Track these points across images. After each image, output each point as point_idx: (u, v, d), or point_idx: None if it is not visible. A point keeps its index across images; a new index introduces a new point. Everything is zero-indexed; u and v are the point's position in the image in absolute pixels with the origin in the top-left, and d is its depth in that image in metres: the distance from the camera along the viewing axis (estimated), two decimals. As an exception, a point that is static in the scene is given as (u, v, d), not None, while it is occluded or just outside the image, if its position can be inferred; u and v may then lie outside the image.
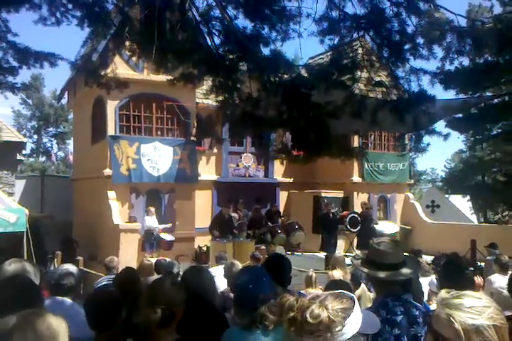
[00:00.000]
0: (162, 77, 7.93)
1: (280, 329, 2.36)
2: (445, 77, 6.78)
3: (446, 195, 33.84)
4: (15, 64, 7.37)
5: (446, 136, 6.42)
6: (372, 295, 5.17)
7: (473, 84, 9.47)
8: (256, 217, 13.73)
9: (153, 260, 7.45)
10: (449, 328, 1.50)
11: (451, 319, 1.50)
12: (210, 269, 6.20)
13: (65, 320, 3.00)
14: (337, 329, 1.47)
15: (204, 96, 10.15)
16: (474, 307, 1.51)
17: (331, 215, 13.51)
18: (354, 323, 1.52)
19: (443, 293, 1.64)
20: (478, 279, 4.24)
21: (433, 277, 5.30)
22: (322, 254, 14.39)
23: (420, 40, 6.07)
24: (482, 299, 1.56)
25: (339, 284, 4.11)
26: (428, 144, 6.54)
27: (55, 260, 10.84)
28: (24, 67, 7.35)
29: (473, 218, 31.95)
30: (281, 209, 16.90)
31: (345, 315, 1.51)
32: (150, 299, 2.32)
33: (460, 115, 12.52)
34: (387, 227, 15.09)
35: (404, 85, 6.07)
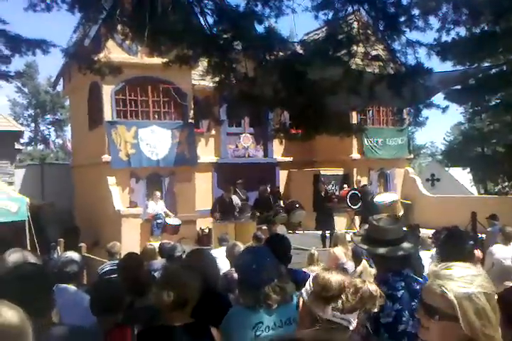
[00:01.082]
0: (157, 60, 7.83)
1: (283, 309, 2.37)
2: (442, 48, 6.68)
3: (446, 168, 33.86)
4: (7, 52, 7.29)
5: (444, 109, 6.37)
6: (373, 270, 5.19)
7: (471, 54, 9.35)
8: (263, 198, 13.69)
9: (156, 244, 7.50)
10: (441, 299, 1.52)
11: (444, 289, 1.52)
12: (213, 251, 6.24)
13: (70, 306, 3.03)
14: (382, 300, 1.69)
15: (200, 78, 10.04)
16: (464, 277, 1.54)
17: (322, 194, 13.58)
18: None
19: (432, 266, 1.68)
20: (478, 252, 4.25)
21: (434, 250, 5.32)
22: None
23: (416, 12, 5.98)
24: (471, 268, 1.59)
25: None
26: (427, 118, 6.49)
27: (58, 248, 10.89)
28: (16, 55, 7.27)
29: (474, 190, 32.02)
30: (282, 189, 16.91)
31: None
32: (163, 282, 2.35)
33: (458, 87, 12.40)
34: (387, 197, 15.08)
35: (401, 58, 5.99)
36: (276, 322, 2.40)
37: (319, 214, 13.40)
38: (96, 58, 7.44)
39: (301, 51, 6.61)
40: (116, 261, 5.34)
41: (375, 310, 1.68)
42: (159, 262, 5.84)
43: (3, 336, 1.39)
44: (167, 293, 2.25)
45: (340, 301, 1.61)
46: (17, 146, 18.09)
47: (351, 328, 1.62)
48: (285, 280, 2.56)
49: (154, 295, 2.39)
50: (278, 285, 2.47)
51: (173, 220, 13.23)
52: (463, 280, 1.53)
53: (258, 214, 13.08)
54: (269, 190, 14.28)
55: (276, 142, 16.02)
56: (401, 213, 15.83)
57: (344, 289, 1.63)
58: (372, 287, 1.67)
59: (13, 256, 2.77)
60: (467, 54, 9.35)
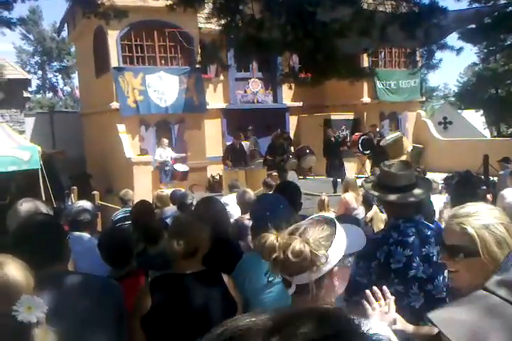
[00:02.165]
0: (161, 3, 7.57)
1: None
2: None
3: (459, 111, 33.31)
4: (8, -2, 7.08)
5: (458, 51, 6.15)
6: (384, 216, 5.23)
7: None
8: (276, 143, 13.63)
9: (168, 191, 7.58)
10: (462, 235, 1.57)
11: (463, 225, 1.58)
12: (223, 198, 6.29)
13: (84, 253, 3.10)
14: (322, 261, 1.46)
15: (206, 21, 9.73)
16: (479, 211, 1.61)
17: (332, 139, 13.50)
18: (337, 248, 1.52)
19: (448, 211, 1.69)
20: (489, 196, 4.24)
21: (446, 195, 5.32)
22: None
23: None
24: (484, 204, 1.68)
25: (347, 220, 4.13)
26: (440, 60, 6.29)
27: (72, 195, 11.07)
28: (18, 0, 7.06)
29: (487, 133, 31.64)
30: (292, 134, 16.81)
31: (328, 243, 1.50)
32: (173, 232, 2.37)
33: (473, 26, 11.93)
34: (392, 135, 14.92)
35: (415, -3, 5.73)
36: None
37: (330, 160, 13.38)
38: (100, 1, 7.21)
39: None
40: (129, 209, 5.43)
41: (324, 269, 1.49)
42: (171, 209, 5.92)
43: (4, 290, 1.40)
44: (177, 243, 2.28)
45: (279, 264, 1.51)
46: (25, 94, 17.98)
47: (290, 291, 1.52)
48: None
49: (166, 245, 2.42)
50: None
51: (181, 166, 13.31)
52: (479, 215, 1.59)
53: (271, 159, 13.06)
54: (281, 135, 14.19)
55: (285, 87, 15.71)
56: (410, 149, 15.73)
57: (274, 252, 1.51)
58: (297, 248, 1.45)
59: (25, 206, 2.80)
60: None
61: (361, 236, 1.69)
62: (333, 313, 0.66)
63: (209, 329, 0.67)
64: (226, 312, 2.27)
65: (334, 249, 1.50)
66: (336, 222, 1.59)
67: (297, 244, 1.47)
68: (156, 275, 2.49)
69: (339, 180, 11.98)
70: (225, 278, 2.40)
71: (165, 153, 13.29)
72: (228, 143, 13.99)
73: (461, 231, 1.57)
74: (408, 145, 15.48)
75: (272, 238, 1.55)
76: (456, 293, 1.70)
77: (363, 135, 14.92)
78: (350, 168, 14.55)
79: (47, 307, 1.42)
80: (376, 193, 2.66)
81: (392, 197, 2.54)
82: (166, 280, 2.34)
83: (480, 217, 1.58)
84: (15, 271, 1.46)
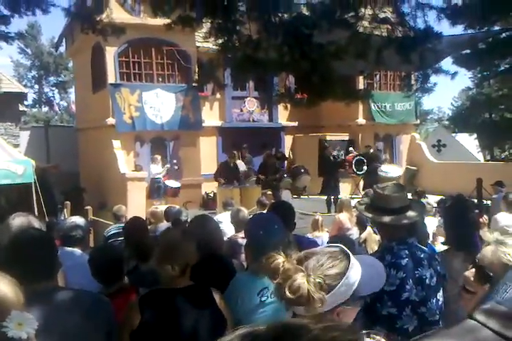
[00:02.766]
0: (160, 21, 7.64)
1: None
2: (452, 11, 6.47)
3: (453, 134, 33.61)
4: (6, 13, 7.12)
5: (453, 75, 6.24)
6: (378, 237, 5.23)
7: (481, 18, 9.10)
8: (268, 163, 13.67)
9: (162, 207, 7.55)
10: (500, 267, 1.53)
11: (502, 259, 1.54)
12: (218, 216, 6.28)
13: (75, 269, 3.07)
14: (316, 305, 1.36)
15: (204, 40, 9.84)
16: None
17: (331, 158, 13.54)
18: (343, 290, 1.43)
19: (497, 234, 1.66)
20: (483, 220, 4.25)
21: (439, 218, 5.33)
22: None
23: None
24: None
25: (342, 241, 4.12)
26: (435, 84, 6.39)
27: (65, 210, 11.00)
28: (16, 15, 7.10)
29: (480, 156, 31.86)
30: (287, 154, 16.88)
31: (334, 283, 1.42)
32: (167, 257, 2.33)
33: (467, 51, 12.12)
34: (392, 170, 15.00)
35: (410, 22, 5.83)
36: None
37: (327, 179, 13.38)
38: (98, 18, 7.28)
39: (307, 13, 6.42)
40: (122, 225, 5.40)
41: (321, 308, 1.39)
42: (165, 225, 5.90)
43: None
44: (172, 267, 2.27)
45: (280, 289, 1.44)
46: (21, 108, 18.02)
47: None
48: (291, 248, 2.57)
49: (158, 269, 2.38)
50: (284, 252, 2.47)
51: (172, 183, 13.29)
52: None
53: (262, 178, 13.08)
54: (274, 154, 14.21)
55: (281, 106, 15.82)
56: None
57: (276, 277, 1.45)
58: (296, 285, 1.37)
59: (18, 220, 2.78)
60: (478, 17, 9.08)
61: (380, 275, 1.60)
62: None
63: None
64: (216, 327, 2.26)
65: (339, 290, 1.42)
66: (352, 258, 1.48)
67: (298, 279, 1.38)
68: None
69: (333, 199, 12.00)
70: (215, 293, 2.39)
71: (157, 169, 13.28)
72: (222, 161, 14.01)
73: (501, 261, 1.52)
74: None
75: (279, 261, 1.48)
76: (449, 316, 1.69)
77: (357, 156, 15.01)
78: (345, 188, 14.57)
79: (37, 323, 1.40)
80: (370, 215, 2.67)
81: (386, 218, 2.55)
82: (155, 295, 2.32)
83: None
84: (4, 286, 1.44)
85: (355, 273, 1.46)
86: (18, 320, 1.36)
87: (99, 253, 3.15)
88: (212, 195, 13.98)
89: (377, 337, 1.49)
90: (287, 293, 1.37)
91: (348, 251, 1.54)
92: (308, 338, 0.61)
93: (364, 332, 1.49)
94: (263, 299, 2.39)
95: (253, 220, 2.79)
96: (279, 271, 1.43)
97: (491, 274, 1.54)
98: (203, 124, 14.79)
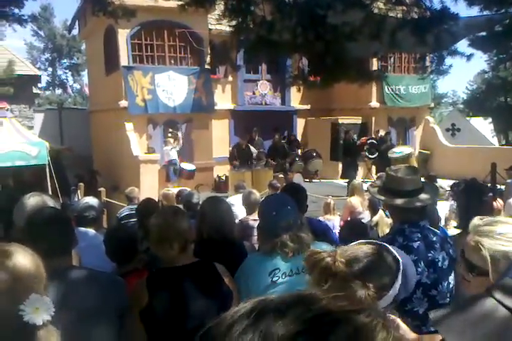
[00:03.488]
0: (172, 3, 7.60)
1: (299, 257, 2.38)
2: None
3: (468, 118, 33.18)
4: (19, -5, 7.14)
5: (469, 57, 6.13)
6: (389, 220, 5.22)
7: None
8: (277, 146, 13.65)
9: (175, 190, 7.60)
10: (477, 255, 1.53)
11: (479, 245, 1.51)
12: (229, 198, 6.30)
13: (89, 249, 3.11)
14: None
15: (217, 22, 9.76)
16: (505, 234, 1.51)
17: (352, 142, 13.51)
18: (387, 300, 1.43)
19: (476, 220, 1.62)
20: (497, 204, 4.22)
21: (452, 202, 5.30)
22: (340, 181, 14.52)
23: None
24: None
25: (355, 226, 4.11)
26: (450, 66, 6.27)
27: (79, 191, 11.11)
28: (29, -3, 7.12)
29: (495, 141, 31.48)
30: (299, 137, 16.81)
31: (383, 294, 1.41)
32: (163, 236, 2.31)
33: (484, 33, 11.90)
34: (401, 150, 14.85)
35: (426, 2, 5.71)
36: (293, 269, 2.41)
37: (348, 163, 13.36)
38: (110, 0, 7.25)
39: (321, -7, 6.33)
40: (135, 206, 5.45)
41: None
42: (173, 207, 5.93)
43: (16, 279, 1.35)
44: (170, 246, 2.28)
45: (323, 287, 1.37)
46: (35, 90, 18.08)
47: None
48: (303, 230, 2.57)
49: (157, 249, 2.37)
50: (296, 234, 2.48)
51: (188, 165, 13.32)
52: (502, 238, 1.50)
53: (272, 162, 13.09)
54: (285, 137, 14.16)
55: (293, 89, 15.72)
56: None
57: (326, 277, 1.39)
58: (359, 293, 1.34)
59: (33, 200, 2.81)
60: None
61: (413, 276, 1.59)
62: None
63: (206, 320, 0.68)
64: (222, 300, 2.28)
65: (385, 300, 1.42)
66: (400, 262, 1.45)
67: (358, 291, 1.33)
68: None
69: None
70: (219, 267, 2.41)
71: (171, 152, 13.31)
72: (234, 144, 14.02)
73: (478, 251, 1.52)
74: (415, 164, 15.37)
75: (327, 260, 1.38)
76: (460, 299, 1.69)
77: (369, 139, 14.88)
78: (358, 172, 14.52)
79: (53, 309, 1.36)
80: (382, 197, 2.65)
81: (398, 201, 2.53)
82: (160, 275, 2.35)
83: (502, 241, 1.50)
84: (29, 261, 1.40)
85: (399, 280, 1.45)
86: (36, 304, 1.32)
87: (114, 233, 3.19)
88: (224, 178, 14.02)
89: (392, 316, 1.49)
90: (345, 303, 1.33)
91: (394, 252, 1.50)
92: (318, 306, 0.63)
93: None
94: (274, 279, 2.40)
95: (266, 201, 2.78)
96: (330, 272, 1.36)
97: (473, 264, 1.54)
98: (215, 107, 14.76)
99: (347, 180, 12.55)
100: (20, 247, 1.46)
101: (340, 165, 15.47)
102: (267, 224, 2.57)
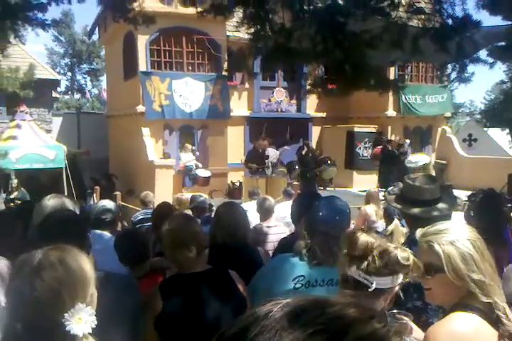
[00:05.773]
0: (191, 10, 7.70)
1: (328, 268, 2.28)
2: (492, 0, 6.28)
3: (485, 128, 32.86)
4: (43, 0, 7.25)
5: (492, 64, 6.08)
6: (405, 230, 5.17)
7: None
8: (307, 155, 13.60)
9: (188, 195, 7.61)
10: (431, 253, 1.61)
11: (430, 243, 1.61)
12: (243, 204, 6.29)
13: (104, 252, 3.13)
14: (419, 271, 1.60)
15: (235, 29, 9.82)
16: (448, 229, 1.64)
17: (393, 151, 13.51)
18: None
19: (419, 230, 1.76)
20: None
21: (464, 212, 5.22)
22: (354, 190, 14.44)
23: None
24: (455, 223, 1.75)
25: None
26: (472, 73, 6.21)
27: (94, 195, 11.20)
28: (53, 3, 7.23)
29: (512, 152, 31.11)
30: (314, 145, 16.77)
31: None
32: (181, 242, 2.30)
33: (503, 43, 11.82)
34: (418, 158, 14.72)
35: (448, 10, 5.67)
36: (318, 279, 2.34)
37: (387, 170, 13.36)
38: (130, 7, 7.33)
39: (341, 1, 6.33)
40: (149, 210, 5.47)
41: (408, 279, 1.67)
42: (189, 213, 5.95)
43: (64, 285, 1.34)
44: (189, 249, 2.28)
45: (365, 262, 1.61)
46: (54, 95, 18.35)
47: (370, 289, 1.61)
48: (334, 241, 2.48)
49: (176, 254, 2.35)
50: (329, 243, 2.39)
51: (203, 172, 13.36)
52: (446, 231, 1.62)
53: (301, 169, 12.98)
54: (297, 145, 14.12)
55: (310, 97, 15.73)
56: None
57: (370, 250, 1.61)
58: (403, 254, 1.61)
59: (52, 201, 2.83)
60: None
61: None
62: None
63: (221, 327, 0.69)
64: (237, 308, 2.26)
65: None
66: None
67: (401, 250, 1.61)
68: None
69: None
70: (233, 274, 2.39)
71: (188, 158, 13.36)
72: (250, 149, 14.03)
73: (429, 249, 1.61)
74: (432, 171, 15.26)
75: (365, 236, 1.64)
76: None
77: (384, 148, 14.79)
78: (371, 181, 14.44)
79: (96, 321, 1.33)
80: (399, 206, 2.63)
81: (416, 210, 2.51)
82: (175, 281, 2.34)
83: (447, 234, 1.61)
84: (85, 263, 1.43)
85: None
86: (80, 314, 1.30)
87: (123, 238, 3.21)
88: (238, 184, 14.01)
89: (404, 318, 1.57)
90: (401, 260, 1.57)
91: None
92: (332, 310, 0.65)
93: (390, 312, 1.57)
94: (297, 286, 2.36)
95: (325, 205, 2.57)
96: (373, 245, 1.60)
97: (428, 263, 1.63)
98: (231, 114, 14.81)
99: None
100: (73, 250, 1.47)
101: (354, 174, 15.42)
102: (325, 225, 2.42)
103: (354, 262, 1.62)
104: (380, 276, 1.60)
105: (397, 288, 1.67)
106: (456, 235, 1.60)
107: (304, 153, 13.72)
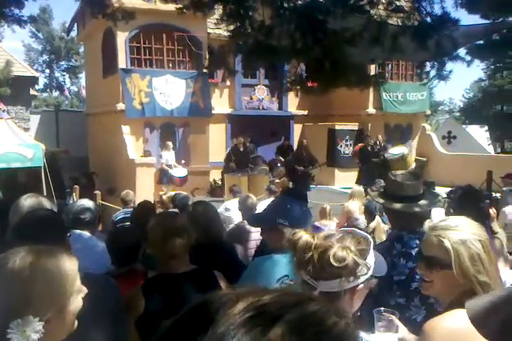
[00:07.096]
0: (171, 7, 7.60)
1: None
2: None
3: (464, 126, 33.30)
4: (19, -5, 7.13)
5: (469, 62, 6.16)
6: (386, 227, 5.20)
7: (498, 7, 8.97)
8: (302, 152, 13.52)
9: (170, 193, 7.57)
10: (439, 248, 1.61)
11: (441, 238, 1.61)
12: (226, 202, 6.28)
13: (84, 251, 3.08)
14: (363, 272, 1.45)
15: (215, 26, 9.77)
16: (459, 225, 1.64)
17: (369, 148, 13.48)
18: (369, 266, 1.50)
19: (428, 223, 1.72)
20: (492, 211, 4.21)
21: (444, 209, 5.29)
22: (336, 187, 14.50)
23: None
24: (465, 219, 1.71)
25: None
26: (451, 71, 6.28)
27: (74, 194, 11.06)
28: (29, -1, 7.12)
29: (491, 149, 31.58)
30: (295, 143, 16.79)
31: (363, 258, 1.48)
32: (171, 231, 2.29)
33: (481, 42, 11.97)
34: (397, 150, 14.79)
35: (427, 8, 5.72)
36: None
37: (365, 168, 13.24)
38: (109, 2, 7.24)
39: (321, -1, 6.34)
40: (130, 209, 5.42)
41: (358, 281, 1.49)
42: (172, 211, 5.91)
43: (43, 286, 1.35)
44: (176, 250, 2.25)
45: (310, 265, 1.48)
46: (32, 92, 18.06)
47: (315, 293, 1.47)
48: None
49: (160, 253, 2.33)
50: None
51: (178, 171, 13.11)
52: (458, 229, 1.62)
53: (300, 168, 12.86)
54: (277, 143, 14.03)
55: (291, 95, 15.73)
56: (413, 166, 15.63)
57: (310, 251, 1.47)
58: (339, 254, 1.43)
59: (29, 201, 2.78)
60: (495, 6, 8.93)
61: (384, 263, 1.68)
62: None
63: None
64: None
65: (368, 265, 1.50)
66: (371, 240, 1.57)
67: (339, 249, 1.44)
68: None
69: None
70: (217, 275, 2.38)
71: (169, 156, 13.24)
72: (230, 147, 13.98)
73: (438, 244, 1.61)
74: (412, 162, 15.36)
75: (307, 236, 1.49)
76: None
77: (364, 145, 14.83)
78: (353, 178, 14.51)
79: (42, 325, 1.30)
80: (381, 201, 2.64)
81: (398, 205, 2.52)
82: (159, 281, 2.31)
83: (459, 231, 1.61)
84: (71, 265, 1.44)
85: (373, 252, 1.55)
86: (26, 326, 1.27)
87: (117, 235, 3.18)
88: (220, 182, 13.98)
89: (389, 315, 1.55)
90: (332, 261, 1.41)
91: (364, 233, 1.62)
92: (266, 298, 0.65)
93: (376, 310, 1.55)
94: (283, 286, 2.34)
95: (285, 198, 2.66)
96: (312, 246, 1.46)
97: (435, 258, 1.62)
98: (213, 111, 14.75)
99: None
100: (50, 252, 1.46)
101: (336, 171, 15.48)
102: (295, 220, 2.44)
103: (301, 265, 1.50)
104: (326, 280, 1.47)
105: (371, 285, 1.58)
106: (467, 234, 1.60)
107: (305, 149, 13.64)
